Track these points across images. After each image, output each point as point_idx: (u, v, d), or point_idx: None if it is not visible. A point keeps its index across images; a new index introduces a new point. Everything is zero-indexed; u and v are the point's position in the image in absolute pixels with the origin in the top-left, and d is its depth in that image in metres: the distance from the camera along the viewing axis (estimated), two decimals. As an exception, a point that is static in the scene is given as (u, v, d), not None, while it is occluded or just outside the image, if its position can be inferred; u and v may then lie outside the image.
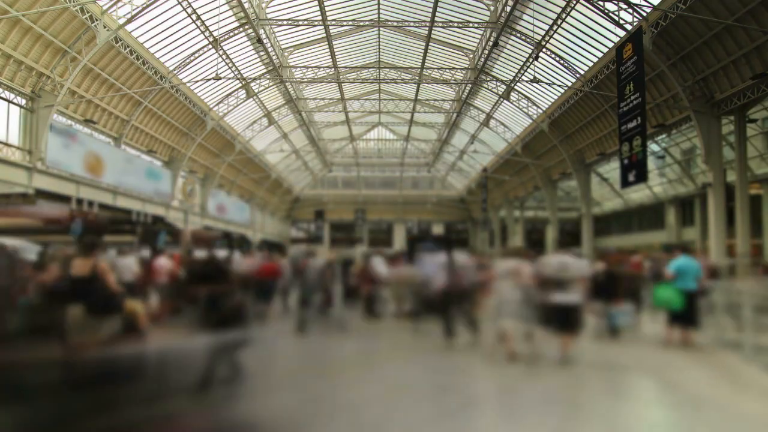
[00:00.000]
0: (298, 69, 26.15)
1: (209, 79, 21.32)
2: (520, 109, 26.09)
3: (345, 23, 22.65)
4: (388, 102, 31.56)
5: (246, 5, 19.57)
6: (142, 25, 18.47)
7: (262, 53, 23.40)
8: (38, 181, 16.85)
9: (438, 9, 20.44)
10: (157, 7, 17.66)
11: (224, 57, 22.08)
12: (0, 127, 16.09)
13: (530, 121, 26.25)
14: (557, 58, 20.67)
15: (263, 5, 20.97)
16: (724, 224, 16.23)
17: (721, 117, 16.54)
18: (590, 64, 19.76)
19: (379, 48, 25.94)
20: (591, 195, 27.39)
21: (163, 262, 9.59)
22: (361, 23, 22.96)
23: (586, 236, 25.77)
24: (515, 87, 24.77)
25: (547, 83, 21.46)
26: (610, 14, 15.99)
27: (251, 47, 22.73)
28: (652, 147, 24.89)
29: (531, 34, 19.74)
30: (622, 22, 15.88)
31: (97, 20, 16.37)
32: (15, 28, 14.92)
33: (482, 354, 7.01)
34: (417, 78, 26.84)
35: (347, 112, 33.09)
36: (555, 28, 19.02)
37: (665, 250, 18.43)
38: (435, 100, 30.84)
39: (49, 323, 4.06)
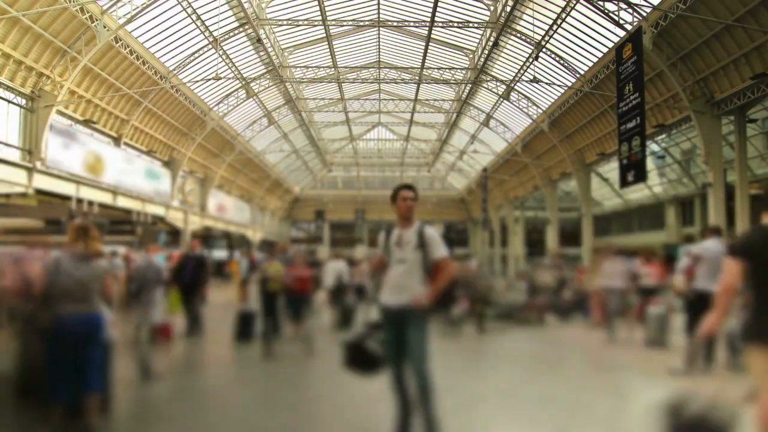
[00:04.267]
0: (298, 69, 26.14)
1: (209, 79, 21.31)
2: (520, 109, 26.08)
3: (345, 23, 22.64)
4: (388, 102, 31.55)
5: (246, 5, 19.57)
6: (142, 25, 18.47)
7: (262, 53, 23.40)
8: (38, 181, 16.84)
9: (438, 9, 20.42)
10: (157, 7, 17.66)
11: (224, 57, 22.08)
12: (0, 127, 16.09)
13: (530, 121, 26.24)
14: (557, 58, 20.66)
15: (263, 5, 20.97)
16: (724, 224, 16.20)
17: (721, 117, 16.53)
18: (590, 64, 19.75)
19: (379, 48, 25.93)
20: (591, 195, 27.37)
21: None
22: (361, 23, 22.95)
23: (586, 236, 25.77)
24: (515, 87, 24.76)
25: (547, 83, 21.45)
26: (610, 14, 15.98)
27: (251, 47, 22.72)
28: (652, 147, 24.89)
29: (531, 34, 19.73)
30: (622, 22, 15.87)
31: (97, 20, 16.36)
32: (15, 27, 14.90)
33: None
34: (417, 78, 26.83)
35: (347, 112, 33.08)
36: (555, 28, 19.01)
37: (666, 250, 18.39)
38: (435, 100, 30.82)
39: None
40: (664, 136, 22.46)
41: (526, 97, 25.18)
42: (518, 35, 20.84)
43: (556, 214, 30.25)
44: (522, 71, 22.98)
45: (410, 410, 3.67)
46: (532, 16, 18.91)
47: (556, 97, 23.80)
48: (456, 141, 36.63)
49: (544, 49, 20.32)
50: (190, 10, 18.77)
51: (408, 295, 3.60)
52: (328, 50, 24.45)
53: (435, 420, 3.55)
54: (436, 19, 21.05)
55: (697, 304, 5.92)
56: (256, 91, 26.22)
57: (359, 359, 3.62)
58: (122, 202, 21.64)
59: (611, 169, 27.78)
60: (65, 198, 18.26)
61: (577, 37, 19.16)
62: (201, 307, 8.93)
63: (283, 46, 24.61)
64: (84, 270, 3.77)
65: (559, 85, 21.77)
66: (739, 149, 16.19)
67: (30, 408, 3.88)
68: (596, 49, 18.97)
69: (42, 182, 17.04)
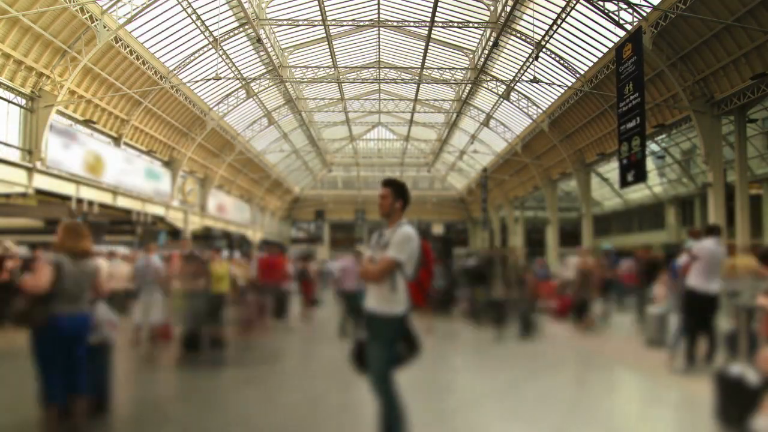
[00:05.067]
0: (298, 69, 26.14)
1: (209, 79, 21.32)
2: (520, 109, 26.08)
3: (345, 23, 22.64)
4: (388, 102, 31.55)
5: (246, 5, 19.57)
6: (142, 25, 18.47)
7: (262, 53, 23.40)
8: (38, 181, 16.84)
9: (438, 9, 20.42)
10: (157, 7, 17.66)
11: (224, 57, 22.08)
12: (0, 127, 16.09)
13: (530, 121, 26.25)
14: (557, 58, 20.66)
15: (263, 5, 20.97)
16: (724, 224, 16.21)
17: (721, 117, 16.53)
18: (590, 64, 19.75)
19: (379, 48, 25.94)
20: (591, 195, 27.38)
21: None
22: (361, 23, 22.95)
23: (586, 236, 25.78)
24: (515, 87, 24.76)
25: (547, 83, 21.45)
26: (610, 14, 15.98)
27: (251, 47, 22.73)
28: (652, 147, 24.89)
29: (531, 34, 19.73)
30: (622, 22, 15.88)
31: (97, 20, 16.37)
32: (15, 27, 14.91)
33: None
34: (417, 78, 26.84)
35: (347, 112, 33.09)
36: (555, 28, 19.01)
37: (665, 250, 18.38)
38: (435, 100, 30.83)
39: None
40: (664, 136, 22.46)
41: (526, 97, 25.18)
42: (518, 35, 20.83)
43: (556, 214, 30.25)
44: (522, 71, 22.98)
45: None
46: (532, 16, 18.91)
47: (556, 97, 23.80)
48: (456, 141, 36.64)
49: (544, 49, 20.32)
50: (190, 10, 18.77)
51: (375, 302, 3.36)
52: (328, 50, 24.45)
53: None
54: (436, 19, 21.06)
55: (690, 303, 5.99)
56: (256, 91, 26.22)
57: (358, 356, 3.57)
58: (122, 202, 21.65)
59: (611, 169, 27.79)
60: (65, 198, 18.26)
61: (577, 37, 19.16)
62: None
63: (283, 46, 24.61)
64: (79, 270, 3.76)
65: (559, 85, 21.77)
66: (739, 149, 16.19)
67: None
68: (596, 49, 18.97)
69: (42, 182, 17.04)
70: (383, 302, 3.32)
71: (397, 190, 3.48)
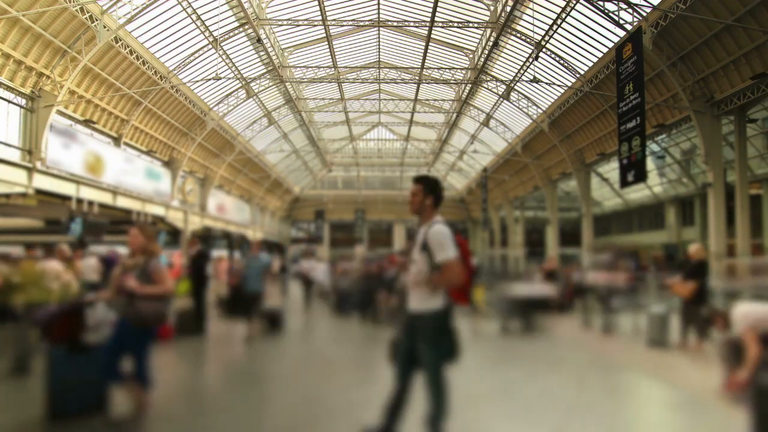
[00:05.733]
0: (298, 69, 26.14)
1: (209, 79, 21.30)
2: (520, 109, 26.08)
3: (345, 23, 22.64)
4: (388, 102, 31.55)
5: (246, 5, 19.57)
6: (142, 25, 18.47)
7: (262, 53, 23.40)
8: (38, 181, 16.82)
9: (438, 9, 20.42)
10: (157, 7, 17.65)
11: (224, 57, 22.08)
12: (0, 127, 16.08)
13: (530, 121, 26.25)
14: (557, 58, 20.67)
15: (263, 5, 20.98)
16: (724, 224, 16.23)
17: (721, 117, 16.54)
18: (590, 64, 19.75)
19: (379, 48, 25.94)
20: (591, 195, 27.40)
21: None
22: (361, 23, 22.95)
23: (586, 236, 25.78)
24: (515, 87, 24.77)
25: (547, 83, 21.45)
26: (610, 14, 15.98)
27: (251, 47, 22.73)
28: (652, 147, 24.91)
29: (531, 34, 19.74)
30: (622, 22, 15.87)
31: (97, 20, 16.36)
32: (15, 27, 14.90)
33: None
34: (417, 78, 26.84)
35: (347, 112, 33.09)
36: (555, 28, 19.01)
37: (665, 250, 18.39)
38: (435, 100, 30.83)
39: None
40: (664, 136, 22.48)
41: (526, 97, 25.18)
42: (518, 35, 20.83)
43: (556, 214, 30.26)
44: (522, 71, 22.98)
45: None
46: (532, 16, 18.91)
47: (556, 97, 23.80)
48: (456, 141, 36.64)
49: (544, 49, 20.32)
50: (190, 10, 18.77)
51: (416, 302, 3.34)
52: (328, 50, 24.45)
53: None
54: (436, 19, 21.05)
55: None
56: (256, 91, 26.22)
57: (394, 355, 3.59)
58: (122, 202, 21.62)
59: (611, 169, 27.82)
60: (65, 198, 18.25)
61: (577, 37, 19.16)
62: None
63: (283, 46, 24.61)
64: None
65: (559, 85, 21.77)
66: (739, 149, 16.20)
67: None
68: (596, 49, 18.98)
69: (42, 182, 17.02)
70: (424, 300, 3.32)
71: (428, 186, 3.42)
